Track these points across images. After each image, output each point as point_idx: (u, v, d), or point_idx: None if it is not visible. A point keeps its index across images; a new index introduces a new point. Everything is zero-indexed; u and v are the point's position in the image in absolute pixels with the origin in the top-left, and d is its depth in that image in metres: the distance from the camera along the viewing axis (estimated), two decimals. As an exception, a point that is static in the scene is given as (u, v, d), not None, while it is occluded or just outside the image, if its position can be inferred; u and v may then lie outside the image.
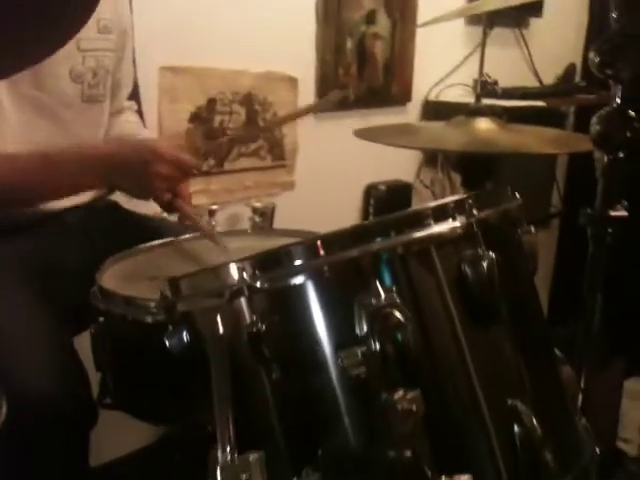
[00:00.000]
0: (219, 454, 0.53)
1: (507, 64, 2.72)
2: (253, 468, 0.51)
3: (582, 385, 0.89)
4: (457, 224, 0.58)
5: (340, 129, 2.11)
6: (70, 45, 1.23)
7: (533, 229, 0.73)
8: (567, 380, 0.72)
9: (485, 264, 0.57)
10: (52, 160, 1.17)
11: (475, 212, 0.59)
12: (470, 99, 2.31)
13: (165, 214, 1.47)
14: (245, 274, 0.56)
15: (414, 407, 0.52)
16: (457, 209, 0.59)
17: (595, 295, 0.95)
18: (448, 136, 1.05)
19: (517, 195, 0.72)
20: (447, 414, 0.58)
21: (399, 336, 0.52)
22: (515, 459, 0.57)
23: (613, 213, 0.90)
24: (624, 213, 0.91)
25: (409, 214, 0.60)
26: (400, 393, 0.53)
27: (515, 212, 0.67)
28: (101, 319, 0.99)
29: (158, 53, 1.77)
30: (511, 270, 0.64)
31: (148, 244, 1.19)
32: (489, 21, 2.61)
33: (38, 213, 1.25)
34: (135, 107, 1.53)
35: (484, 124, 1.11)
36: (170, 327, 0.73)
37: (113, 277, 1.04)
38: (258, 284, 0.56)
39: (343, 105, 2.27)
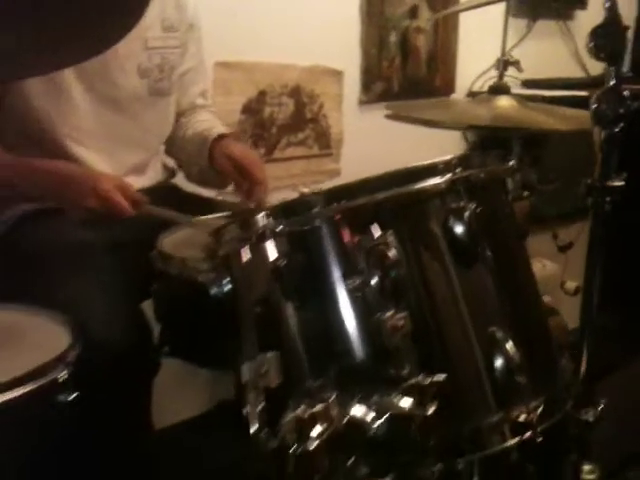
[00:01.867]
0: (244, 354, 0.67)
1: (551, 56, 2.78)
2: (271, 363, 0.65)
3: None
4: (442, 180, 0.71)
5: (384, 120, 2.23)
6: (137, 43, 1.39)
7: (526, 195, 0.84)
8: (555, 326, 0.82)
9: (467, 214, 0.69)
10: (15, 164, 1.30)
11: (459, 171, 0.71)
12: (514, 90, 2.39)
13: (221, 197, 1.62)
14: (270, 220, 0.70)
15: (401, 324, 0.65)
16: (445, 168, 0.72)
17: (595, 263, 1.03)
18: (472, 111, 1.15)
19: (511, 163, 0.83)
20: (432, 333, 0.70)
21: (390, 268, 0.65)
22: (493, 379, 0.69)
23: (611, 183, 1.00)
24: (621, 183, 1.01)
25: (405, 171, 0.72)
26: (390, 313, 0.66)
27: (502, 174, 0.79)
28: (160, 278, 1.15)
29: (212, 49, 1.91)
30: (494, 222, 0.75)
31: (203, 217, 1.34)
32: (532, 13, 2.69)
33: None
34: (211, 107, 1.64)
35: (505, 101, 1.20)
36: (214, 275, 0.87)
37: (171, 243, 1.20)
38: (280, 228, 0.70)
39: (386, 97, 2.38)
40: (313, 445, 0.59)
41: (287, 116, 2.17)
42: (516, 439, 0.70)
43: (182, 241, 1.22)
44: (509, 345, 0.69)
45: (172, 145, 1.59)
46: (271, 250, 0.71)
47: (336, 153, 2.33)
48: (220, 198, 1.61)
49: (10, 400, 0.80)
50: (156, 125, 1.50)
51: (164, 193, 1.56)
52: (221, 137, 1.49)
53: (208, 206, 1.56)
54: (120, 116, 1.41)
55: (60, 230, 1.30)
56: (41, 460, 0.87)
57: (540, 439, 1.22)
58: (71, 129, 1.35)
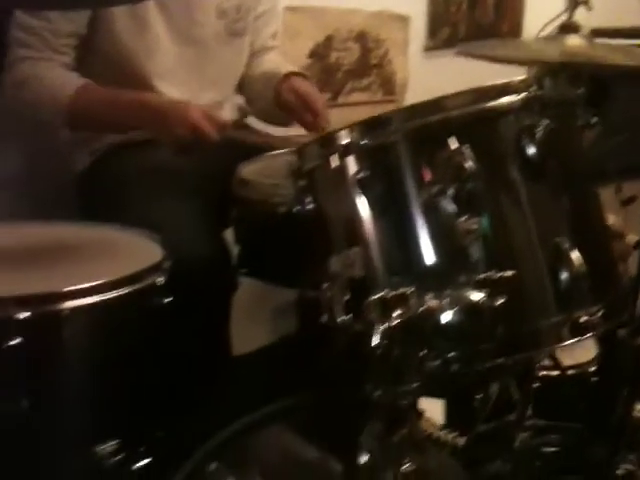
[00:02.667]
0: (334, 248, 0.76)
1: (623, 3, 2.70)
2: (356, 256, 0.73)
3: None
4: (518, 98, 0.76)
5: (449, 66, 2.24)
6: (216, -15, 1.46)
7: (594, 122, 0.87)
8: (620, 249, 0.87)
9: (539, 131, 0.74)
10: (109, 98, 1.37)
11: (533, 89, 0.76)
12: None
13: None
14: (353, 135, 0.77)
15: (474, 227, 0.71)
16: (520, 87, 0.77)
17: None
18: (541, 49, 1.18)
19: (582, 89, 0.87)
20: (502, 238, 0.77)
21: (465, 179, 0.71)
22: (556, 283, 0.75)
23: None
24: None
25: (481, 89, 0.78)
26: (464, 218, 0.72)
27: (573, 98, 0.83)
28: (240, 204, 1.24)
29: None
30: (564, 141, 0.80)
31: (282, 150, 1.42)
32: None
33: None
34: (279, 47, 1.70)
35: (575, 40, 1.22)
36: (296, 193, 0.95)
37: (250, 171, 1.28)
38: (362, 142, 0.77)
39: (452, 43, 2.39)
40: (394, 322, 0.67)
41: (352, 61, 2.21)
42: (575, 339, 0.76)
43: (260, 169, 1.30)
44: (574, 254, 0.75)
45: (242, 83, 1.67)
46: (354, 163, 0.78)
47: (400, 99, 2.36)
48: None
49: (116, 298, 0.91)
50: (232, 64, 1.57)
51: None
52: (288, 75, 1.54)
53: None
54: (199, 54, 1.48)
55: (147, 159, 1.40)
56: (135, 356, 0.97)
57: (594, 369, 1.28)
58: (156, 66, 1.43)
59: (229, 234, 1.35)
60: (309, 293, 1.34)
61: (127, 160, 1.44)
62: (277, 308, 2.14)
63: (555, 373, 1.36)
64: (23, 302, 0.83)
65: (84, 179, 1.50)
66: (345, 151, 0.77)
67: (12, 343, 0.80)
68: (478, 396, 1.33)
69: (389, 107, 2.35)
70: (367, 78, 2.27)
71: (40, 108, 1.37)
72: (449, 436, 1.25)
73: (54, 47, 1.35)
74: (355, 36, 2.19)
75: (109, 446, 0.93)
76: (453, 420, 1.34)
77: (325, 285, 0.87)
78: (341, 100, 2.23)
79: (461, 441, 1.25)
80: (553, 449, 1.30)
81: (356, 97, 2.26)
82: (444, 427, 1.29)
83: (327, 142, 0.82)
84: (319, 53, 2.13)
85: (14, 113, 1.45)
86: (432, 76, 2.35)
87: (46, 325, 0.86)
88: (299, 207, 0.94)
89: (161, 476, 0.93)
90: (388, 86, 2.33)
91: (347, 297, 0.75)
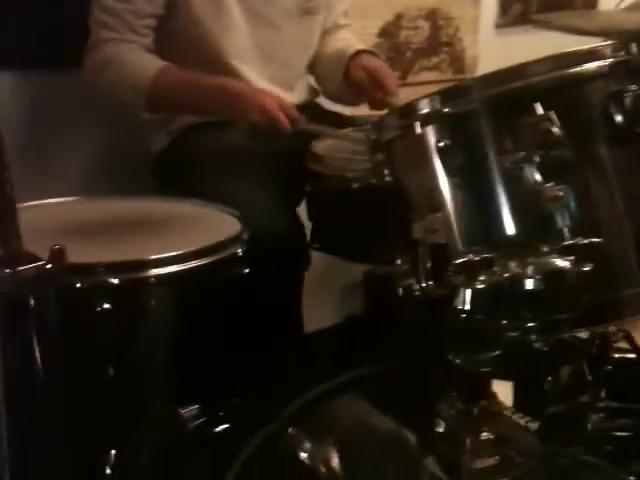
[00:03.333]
0: (415, 214, 0.77)
1: None
2: (440, 222, 0.74)
3: None
4: (605, 63, 0.74)
5: (520, 43, 2.19)
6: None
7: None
8: None
9: (627, 96, 0.72)
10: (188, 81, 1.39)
11: (621, 54, 0.73)
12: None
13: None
14: (433, 104, 0.77)
15: (560, 194, 0.70)
16: (607, 52, 0.75)
17: None
18: (621, 19, 1.14)
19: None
20: (589, 206, 0.75)
21: (552, 144, 0.70)
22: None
23: None
24: None
25: (566, 55, 0.76)
26: (550, 185, 0.71)
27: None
28: (314, 179, 1.26)
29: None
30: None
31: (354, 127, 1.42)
32: None
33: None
34: (350, 25, 1.70)
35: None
36: (373, 166, 0.95)
37: (324, 147, 1.30)
38: (444, 110, 0.76)
39: (524, 20, 2.33)
40: (479, 286, 0.67)
41: (422, 40, 2.19)
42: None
43: (333, 145, 1.31)
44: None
45: (313, 62, 1.67)
46: (434, 132, 0.78)
47: (470, 78, 2.33)
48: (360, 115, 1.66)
49: (199, 267, 0.94)
50: (304, 44, 1.58)
51: (309, 111, 1.66)
52: (358, 53, 1.54)
53: (347, 122, 1.65)
54: (273, 34, 1.50)
55: (223, 139, 1.43)
56: (215, 324, 1.01)
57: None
58: (231, 45, 1.45)
59: (302, 210, 1.37)
60: (380, 269, 1.36)
61: (204, 140, 1.47)
62: (344, 288, 2.16)
63: (631, 356, 1.33)
64: (113, 269, 0.87)
65: (161, 159, 1.55)
66: (426, 120, 0.77)
67: (102, 308, 0.84)
68: (549, 378, 1.31)
69: (459, 86, 2.32)
70: (437, 57, 2.24)
71: (121, 90, 1.41)
72: (522, 419, 1.24)
73: (134, 29, 1.39)
74: (425, 14, 2.16)
75: (190, 410, 0.96)
76: (522, 405, 1.33)
77: (402, 258, 0.88)
78: (410, 79, 2.21)
79: (533, 425, 1.24)
80: (625, 433, 1.27)
81: (425, 76, 2.24)
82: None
83: (407, 112, 0.82)
84: (388, 32, 2.12)
85: (96, 94, 1.51)
86: (503, 54, 2.29)
87: (133, 292, 0.90)
88: (376, 180, 0.94)
89: (239, 440, 0.96)
90: (458, 64, 2.29)
91: (429, 264, 0.75)
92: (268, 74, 1.53)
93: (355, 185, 1.18)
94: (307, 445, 0.95)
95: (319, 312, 2.17)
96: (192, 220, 1.12)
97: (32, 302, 0.62)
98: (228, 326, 1.03)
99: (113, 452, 0.92)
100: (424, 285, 0.75)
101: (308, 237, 1.30)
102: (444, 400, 0.84)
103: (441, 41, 2.22)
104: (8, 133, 0.67)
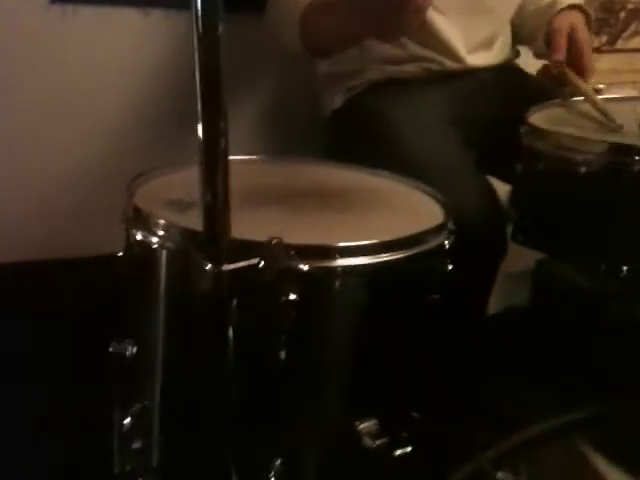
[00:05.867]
0: None
1: None
2: None
3: None
4: None
5: None
6: None
7: None
8: None
9: None
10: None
11: None
12: None
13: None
14: None
15: None
16: None
17: None
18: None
19: None
20: None
21: None
22: None
23: None
24: None
25: None
26: None
27: None
28: (527, 158, 1.04)
29: None
30: None
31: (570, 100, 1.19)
32: None
33: (454, 69, 1.33)
34: None
35: None
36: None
37: (543, 119, 1.07)
38: None
39: None
40: None
41: (640, -1, 1.87)
42: None
43: (555, 117, 1.09)
44: None
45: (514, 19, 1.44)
46: None
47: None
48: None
49: (399, 259, 0.77)
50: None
51: (509, 71, 1.44)
52: (564, 10, 1.31)
53: (550, 93, 1.42)
54: None
55: (410, 97, 1.26)
56: (406, 327, 0.84)
57: None
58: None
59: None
60: (592, 276, 1.13)
61: (387, 98, 1.30)
62: (512, 275, 1.94)
63: None
64: (303, 253, 0.71)
65: (337, 118, 1.39)
66: None
67: (287, 299, 0.69)
68: None
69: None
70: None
71: (280, 31, 1.24)
72: None
73: None
74: (649, -31, 1.83)
75: (368, 425, 0.81)
76: None
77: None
78: (620, 45, 1.90)
79: None
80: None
81: (638, 42, 1.92)
82: None
83: None
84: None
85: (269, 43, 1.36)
86: None
87: (322, 282, 0.74)
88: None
89: (427, 468, 0.80)
90: (678, 31, 1.94)
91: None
92: (469, 30, 1.33)
93: (582, 170, 0.95)
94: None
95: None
96: (387, 198, 0.95)
97: (234, 304, 0.48)
98: (419, 329, 0.86)
99: (278, 461, 0.79)
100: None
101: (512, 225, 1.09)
102: None
103: (663, 1, 1.89)
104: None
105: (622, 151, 0.92)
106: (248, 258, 0.55)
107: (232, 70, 1.51)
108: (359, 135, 1.30)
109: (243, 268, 0.48)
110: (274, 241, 0.54)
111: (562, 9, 1.32)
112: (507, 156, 1.16)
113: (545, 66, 1.31)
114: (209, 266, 0.48)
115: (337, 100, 1.39)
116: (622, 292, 1.04)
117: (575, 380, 1.17)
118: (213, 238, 0.57)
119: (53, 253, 1.43)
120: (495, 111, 1.34)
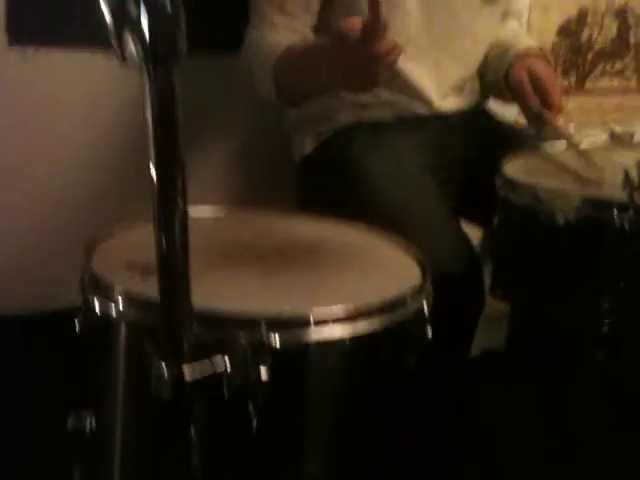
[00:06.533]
0: None
1: None
2: None
3: None
4: None
5: None
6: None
7: None
8: None
9: None
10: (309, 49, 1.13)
11: None
12: None
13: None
14: None
15: None
16: None
17: None
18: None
19: None
20: None
21: None
22: None
23: None
24: None
25: None
26: None
27: None
28: (503, 209, 1.01)
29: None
30: None
31: (545, 147, 1.18)
32: None
33: (425, 114, 1.31)
34: (523, 16, 1.50)
35: None
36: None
37: (519, 170, 1.05)
38: None
39: None
40: None
41: (607, 40, 1.88)
42: None
43: (532, 167, 1.07)
44: None
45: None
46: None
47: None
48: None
49: (376, 327, 0.72)
50: (482, 35, 1.36)
51: (477, 116, 1.43)
52: (526, 52, 1.32)
53: (515, 133, 1.41)
54: (451, 25, 1.28)
55: (382, 142, 1.23)
56: (384, 404, 0.78)
57: None
58: (403, 41, 1.23)
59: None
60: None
61: (358, 144, 1.27)
62: (487, 316, 1.91)
63: None
64: (274, 324, 0.67)
65: (309, 163, 1.35)
66: None
67: (260, 379, 0.64)
68: None
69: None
70: (621, 61, 1.93)
71: (254, 80, 1.20)
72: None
73: (283, 9, 1.19)
74: (616, 11, 1.85)
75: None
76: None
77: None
78: (588, 86, 1.91)
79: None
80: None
81: (606, 83, 1.93)
82: None
83: None
84: (570, 29, 1.83)
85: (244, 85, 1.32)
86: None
87: (294, 357, 0.69)
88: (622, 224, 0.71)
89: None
90: (645, 72, 1.97)
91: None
92: (441, 73, 1.31)
93: (561, 223, 0.93)
94: None
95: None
96: (360, 254, 0.90)
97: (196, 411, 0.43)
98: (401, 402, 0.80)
99: None
100: None
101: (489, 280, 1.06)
102: None
103: (629, 43, 1.91)
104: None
105: (601, 205, 0.89)
106: (211, 352, 0.49)
107: (198, 112, 1.47)
108: (331, 182, 1.27)
109: (206, 377, 0.43)
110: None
111: (517, 56, 1.31)
112: (480, 200, 1.15)
113: (523, 110, 1.31)
114: (166, 371, 0.42)
115: (307, 145, 1.36)
116: (603, 341, 1.00)
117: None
118: (171, 332, 0.51)
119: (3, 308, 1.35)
120: (466, 155, 1.33)
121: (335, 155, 1.29)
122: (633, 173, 0.72)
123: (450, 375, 1.04)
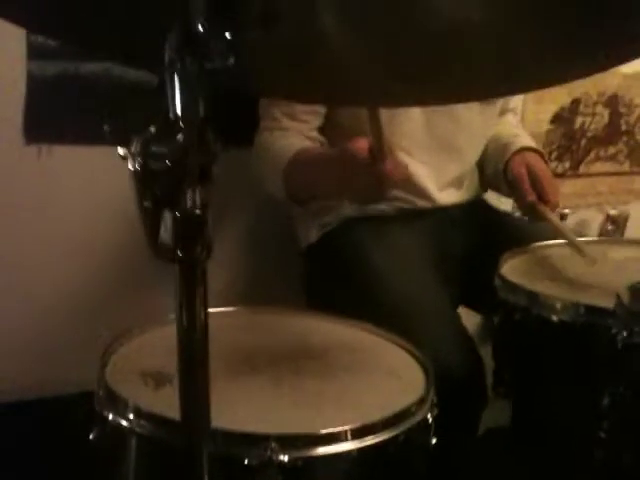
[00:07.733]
0: None
1: None
2: None
3: None
4: None
5: None
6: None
7: None
8: None
9: None
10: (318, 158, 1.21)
11: None
12: None
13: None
14: None
15: None
16: None
17: None
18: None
19: None
20: None
21: None
22: None
23: None
24: None
25: None
26: None
27: None
28: (503, 311, 1.04)
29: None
30: None
31: (540, 244, 1.22)
32: None
33: (426, 207, 1.36)
34: (518, 110, 1.56)
35: None
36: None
37: (515, 271, 1.08)
38: None
39: None
40: None
41: (599, 127, 1.96)
42: None
43: (527, 269, 1.11)
44: None
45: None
46: None
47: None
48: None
49: (382, 440, 0.74)
50: (480, 133, 1.42)
51: (478, 207, 1.48)
52: (525, 149, 1.38)
53: (516, 225, 1.45)
54: (451, 125, 1.34)
55: (384, 234, 1.27)
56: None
57: None
58: (402, 139, 1.29)
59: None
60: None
61: (361, 236, 1.31)
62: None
63: None
64: (283, 442, 0.69)
65: (313, 252, 1.40)
66: None
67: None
68: None
69: (637, 180, 2.05)
70: (614, 146, 2.00)
71: (264, 180, 1.28)
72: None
73: (293, 115, 1.26)
74: (606, 100, 1.93)
75: None
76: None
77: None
78: (582, 170, 1.98)
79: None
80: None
81: (599, 167, 2.00)
82: None
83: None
84: (563, 118, 1.90)
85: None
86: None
87: (300, 470, 0.71)
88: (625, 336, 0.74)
89: None
90: (637, 156, 2.04)
91: None
92: (439, 170, 1.37)
93: (558, 325, 0.96)
94: None
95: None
96: (360, 358, 0.93)
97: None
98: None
99: None
100: None
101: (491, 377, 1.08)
102: None
103: (620, 130, 1.98)
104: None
105: (594, 312, 0.92)
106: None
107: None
108: (335, 273, 1.31)
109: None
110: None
111: (516, 152, 1.37)
112: (479, 290, 1.18)
113: (519, 204, 1.35)
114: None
115: (312, 235, 1.40)
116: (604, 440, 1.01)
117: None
118: (189, 449, 0.54)
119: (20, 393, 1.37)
120: (466, 245, 1.37)
121: (338, 246, 1.33)
122: (625, 298, 0.75)
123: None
